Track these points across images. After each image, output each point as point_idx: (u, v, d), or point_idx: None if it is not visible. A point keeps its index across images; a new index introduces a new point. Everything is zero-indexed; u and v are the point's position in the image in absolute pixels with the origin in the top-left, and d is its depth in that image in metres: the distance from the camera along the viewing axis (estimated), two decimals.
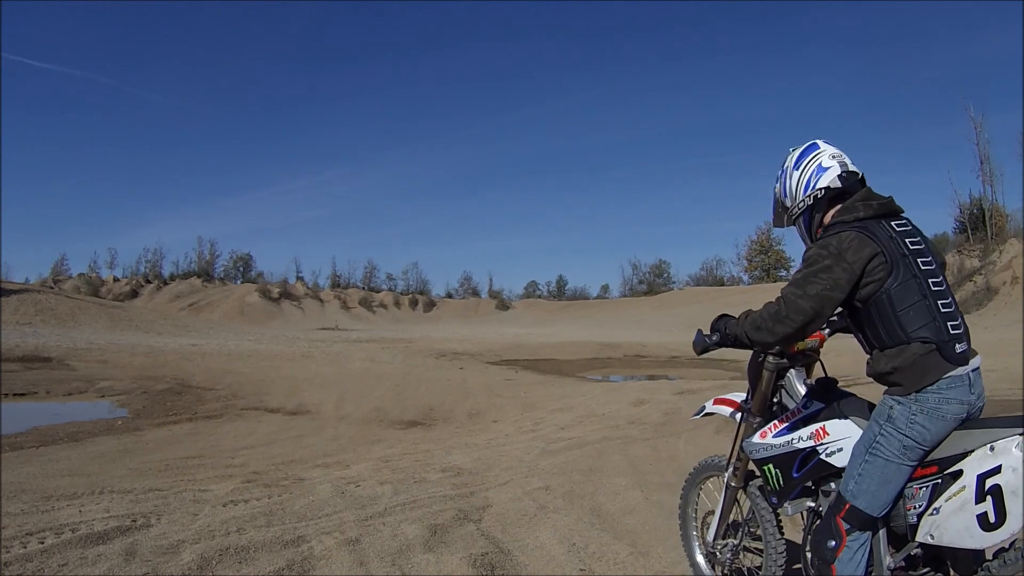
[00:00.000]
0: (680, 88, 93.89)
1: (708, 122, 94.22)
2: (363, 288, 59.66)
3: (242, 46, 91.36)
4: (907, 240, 1.93)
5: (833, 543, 1.92)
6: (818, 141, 2.14)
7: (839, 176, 2.04)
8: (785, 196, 2.16)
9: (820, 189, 2.05)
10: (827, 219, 2.05)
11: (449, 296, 63.97)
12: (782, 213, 2.22)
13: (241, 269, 59.92)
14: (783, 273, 56.51)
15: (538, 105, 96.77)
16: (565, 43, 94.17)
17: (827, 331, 2.36)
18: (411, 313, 56.56)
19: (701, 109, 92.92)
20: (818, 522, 2.09)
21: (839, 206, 2.03)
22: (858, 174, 2.08)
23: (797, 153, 2.15)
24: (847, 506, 1.91)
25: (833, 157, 2.08)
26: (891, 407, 1.88)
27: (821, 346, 2.33)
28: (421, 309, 58.06)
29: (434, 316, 56.39)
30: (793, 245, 57.80)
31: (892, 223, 1.96)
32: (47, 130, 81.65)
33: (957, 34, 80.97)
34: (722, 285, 58.01)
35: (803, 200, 2.09)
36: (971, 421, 1.87)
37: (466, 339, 28.84)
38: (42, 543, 3.16)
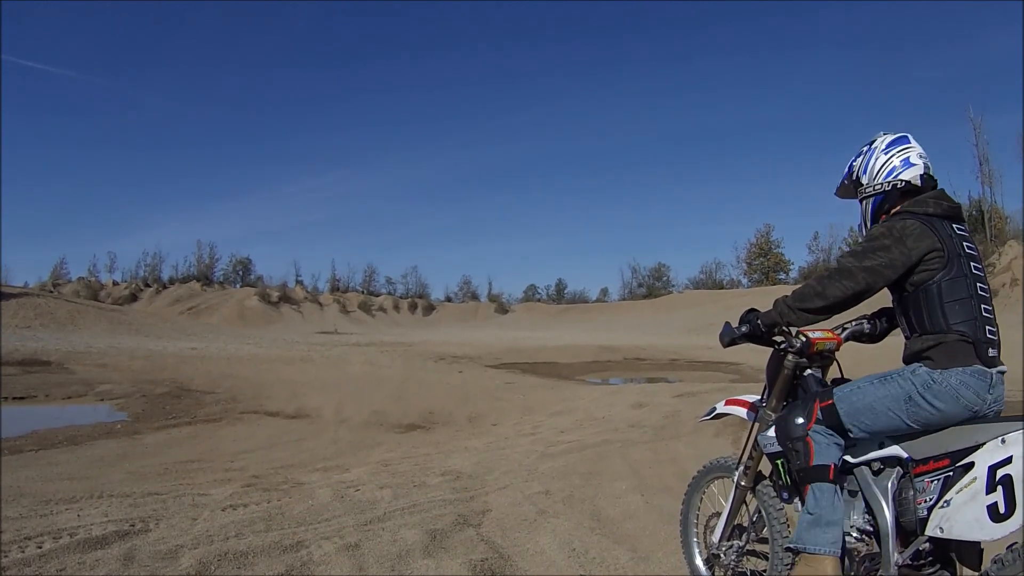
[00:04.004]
0: (679, 91, 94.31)
1: (707, 124, 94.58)
2: (362, 292, 59.52)
3: (241, 48, 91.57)
4: (964, 244, 2.03)
5: (801, 420, 2.05)
6: (909, 136, 2.21)
7: (921, 176, 2.12)
8: (864, 173, 2.22)
9: (901, 180, 2.13)
10: (893, 211, 2.13)
11: (448, 300, 63.82)
12: (851, 187, 2.28)
13: (240, 273, 59.68)
14: (782, 276, 56.54)
15: (537, 108, 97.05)
16: (564, 46, 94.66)
17: (843, 335, 2.39)
18: (410, 317, 56.50)
19: (700, 111, 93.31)
20: (793, 402, 2.20)
21: (909, 200, 2.11)
22: (935, 180, 2.16)
23: (890, 138, 2.21)
24: (830, 401, 2.04)
25: (921, 156, 2.16)
26: (918, 367, 1.95)
27: (838, 348, 2.36)
28: (420, 313, 57.99)
29: (433, 320, 56.35)
30: (793, 248, 57.87)
31: (954, 225, 2.06)
32: (46, 133, 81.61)
33: (957, 34, 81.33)
34: (721, 288, 57.96)
35: (882, 184, 2.16)
36: (983, 418, 1.90)
37: (465, 343, 28.78)
38: (40, 548, 3.15)
